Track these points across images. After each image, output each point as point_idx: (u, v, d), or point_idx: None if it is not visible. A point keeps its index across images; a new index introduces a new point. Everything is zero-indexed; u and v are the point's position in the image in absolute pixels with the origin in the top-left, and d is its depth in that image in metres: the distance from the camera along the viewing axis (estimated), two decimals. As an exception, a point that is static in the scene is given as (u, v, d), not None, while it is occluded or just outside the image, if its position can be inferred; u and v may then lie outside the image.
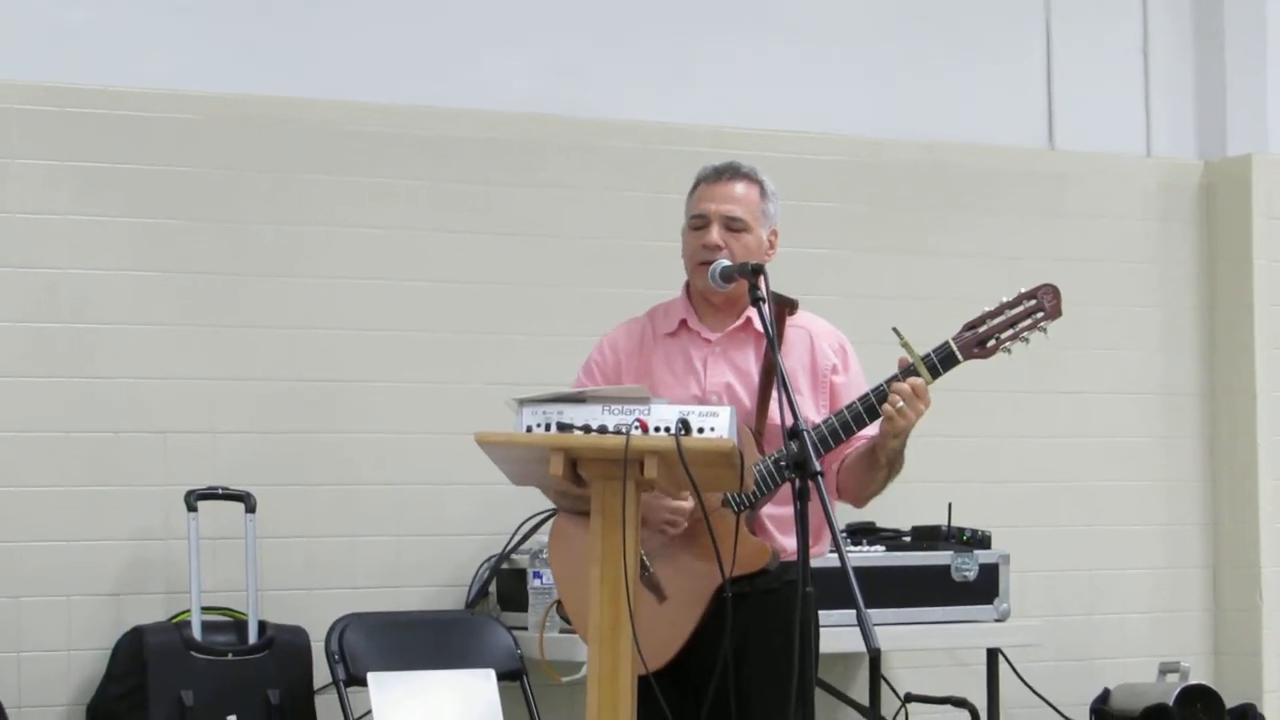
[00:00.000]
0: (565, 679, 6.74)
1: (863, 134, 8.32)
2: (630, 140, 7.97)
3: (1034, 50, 8.90)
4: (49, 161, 7.19)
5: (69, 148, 7.22)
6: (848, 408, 5.64)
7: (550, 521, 6.72)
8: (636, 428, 5.20)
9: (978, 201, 8.52)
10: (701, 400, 5.68)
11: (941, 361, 5.60)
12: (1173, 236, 9.04)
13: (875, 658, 5.24)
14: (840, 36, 8.45)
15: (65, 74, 7.24)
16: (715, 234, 5.79)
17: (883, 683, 7.91)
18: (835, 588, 5.20)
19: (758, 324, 5.68)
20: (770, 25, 8.30)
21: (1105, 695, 8.42)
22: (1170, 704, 8.20)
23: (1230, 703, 8.35)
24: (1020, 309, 5.69)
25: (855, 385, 5.80)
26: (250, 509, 7.05)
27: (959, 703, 7.70)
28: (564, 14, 8.02)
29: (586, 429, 5.24)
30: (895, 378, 5.53)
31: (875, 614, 5.17)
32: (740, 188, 5.88)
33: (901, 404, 5.46)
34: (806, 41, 8.38)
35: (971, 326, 5.69)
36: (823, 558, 5.48)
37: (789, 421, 5.25)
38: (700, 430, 5.20)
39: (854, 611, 4.98)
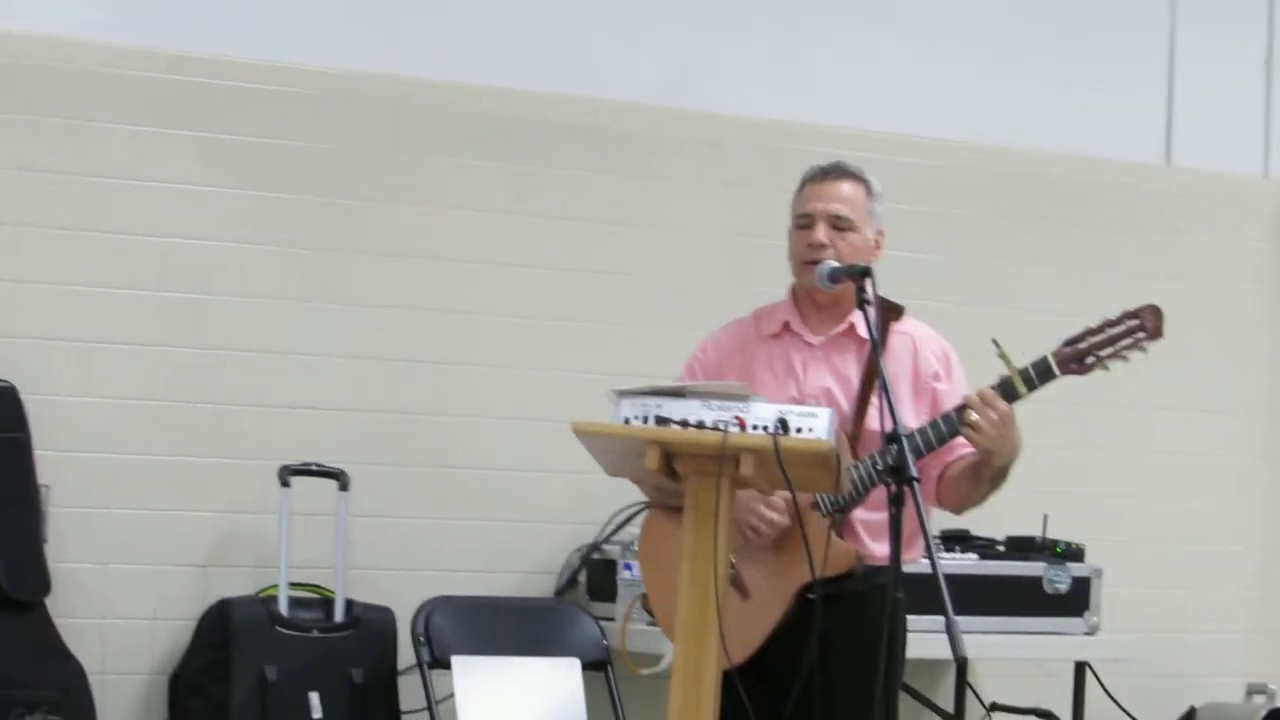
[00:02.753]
0: (645, 671, 6.74)
1: (975, 140, 8.35)
2: (740, 136, 8.01)
3: (1156, 66, 8.89)
4: (169, 130, 7.26)
5: (190, 117, 7.30)
6: (943, 417, 5.71)
7: (644, 514, 6.78)
8: (734, 425, 5.22)
9: (1088, 215, 8.51)
10: (799, 403, 5.68)
11: (1039, 375, 5.66)
12: None
13: (962, 665, 5.27)
14: (959, 44, 8.48)
15: (189, 43, 7.30)
16: (821, 233, 5.85)
17: (969, 691, 7.96)
18: (924, 593, 5.28)
19: (861, 329, 5.74)
20: (888, 27, 8.34)
21: (1191, 713, 8.44)
22: (1259, 726, 8.12)
23: (1323, 719, 8.27)
24: (1122, 328, 5.74)
25: (958, 393, 5.83)
26: (343, 486, 7.12)
27: (1044, 714, 7.73)
28: (684, 7, 8.06)
29: (684, 424, 5.28)
30: (991, 389, 5.58)
31: (964, 621, 5.25)
32: (847, 187, 5.94)
33: (975, 416, 5.54)
34: (923, 46, 8.41)
35: (1071, 342, 5.75)
36: (914, 564, 5.49)
37: (888, 426, 5.30)
38: (799, 430, 5.22)
39: (942, 618, 5.04)
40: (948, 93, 8.37)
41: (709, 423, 5.26)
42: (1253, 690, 8.53)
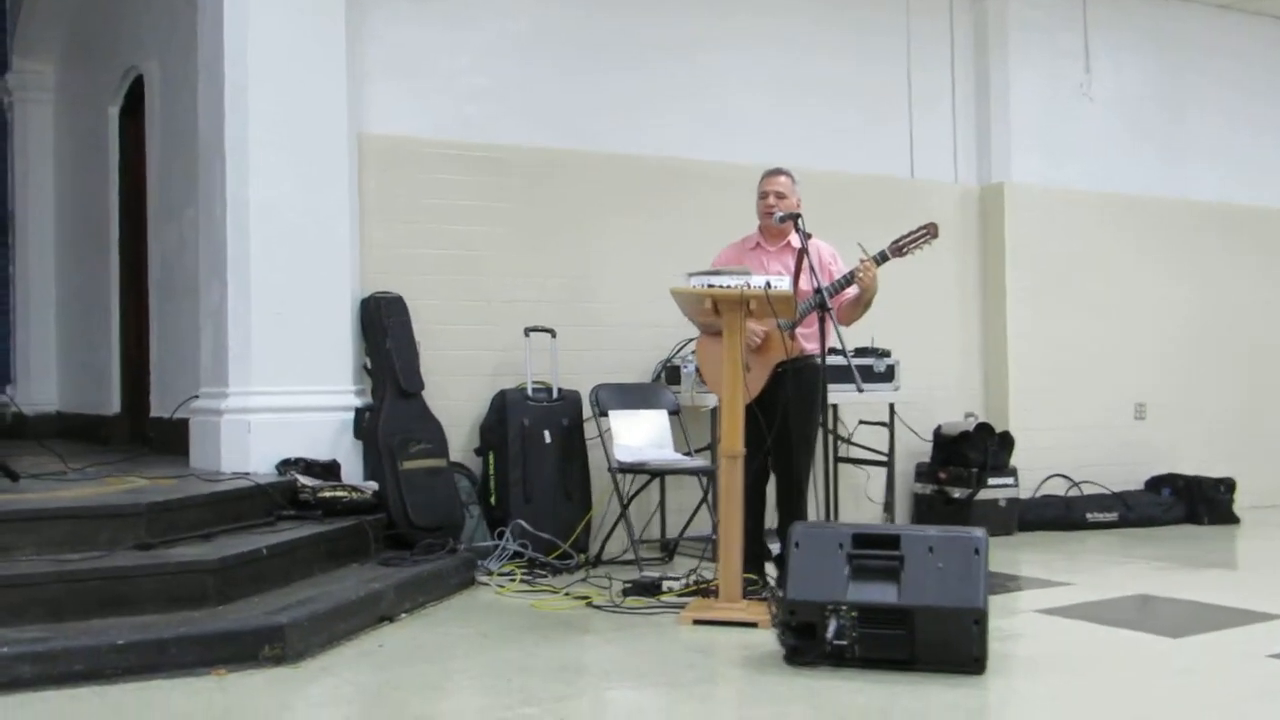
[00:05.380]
0: (703, 410, 6.81)
1: (833, 168, 8.06)
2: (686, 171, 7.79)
3: (901, 117, 8.56)
4: (468, 180, 7.12)
5: (476, 174, 7.13)
6: (841, 278, 5.77)
7: (689, 344, 6.87)
8: (745, 285, 5.29)
9: (873, 207, 8.10)
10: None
11: (880, 258, 5.71)
12: (968, 229, 8.78)
13: (859, 392, 5.28)
14: (802, 106, 8.21)
15: (468, 134, 7.13)
16: (771, 200, 5.95)
17: (839, 418, 7.90)
18: (832, 370, 5.51)
19: (795, 242, 5.83)
20: (756, 91, 8.04)
21: (939, 428, 8.31)
22: (970, 430, 8.15)
23: (998, 429, 8.24)
24: (920, 233, 5.81)
25: (841, 271, 5.88)
26: (553, 336, 7.03)
27: (882, 424, 7.68)
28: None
29: (722, 286, 5.32)
30: (861, 261, 5.68)
31: (840, 385, 5.78)
32: (782, 177, 6.02)
33: (860, 272, 5.64)
34: (774, 106, 8.10)
35: (895, 241, 5.80)
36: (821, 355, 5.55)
37: (814, 285, 5.50)
38: (775, 286, 5.30)
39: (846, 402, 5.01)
40: (786, 135, 8.05)
41: (733, 285, 5.32)
42: (967, 414, 8.47)
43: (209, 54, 6.48)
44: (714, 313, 5.39)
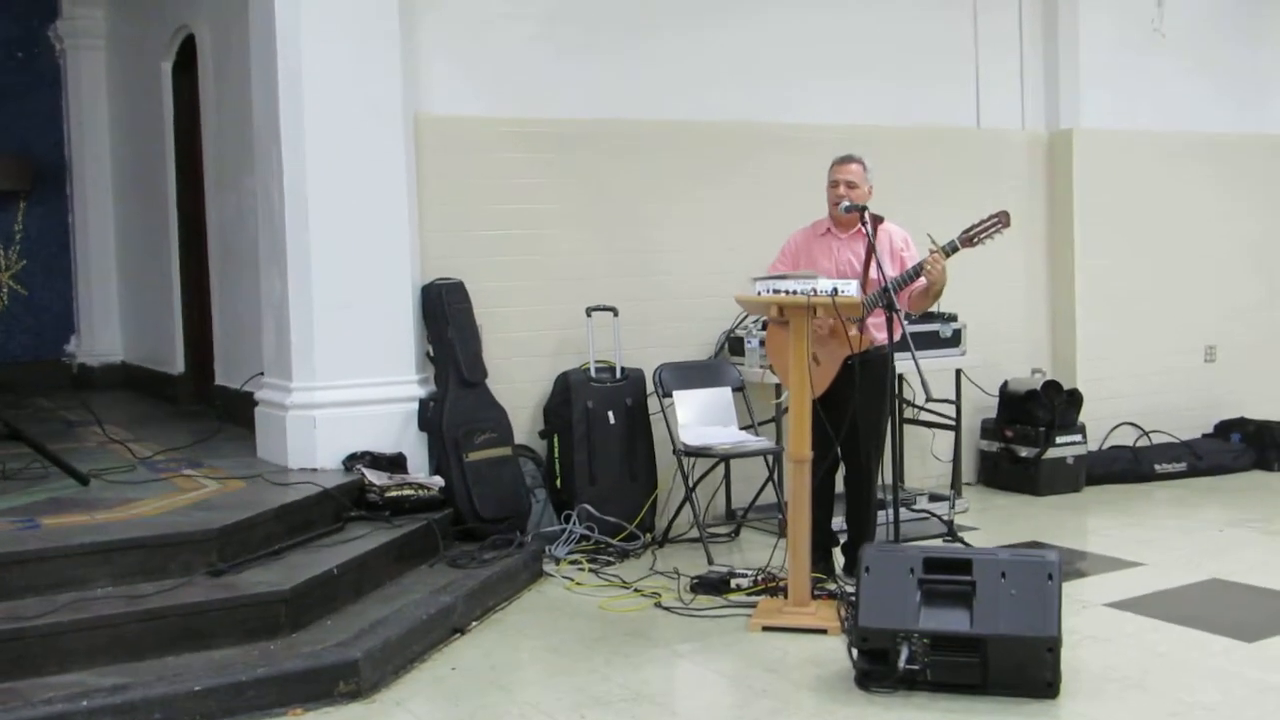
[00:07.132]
0: (774, 403, 6.75)
1: (879, 124, 7.82)
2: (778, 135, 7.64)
3: (968, 74, 8.36)
4: (514, 158, 6.95)
5: (533, 150, 6.99)
6: (910, 269, 5.70)
7: (748, 318, 6.92)
8: (811, 292, 5.23)
9: (944, 159, 8.13)
10: (837, 268, 5.76)
11: (950, 249, 5.63)
12: (1035, 177, 8.59)
13: (928, 398, 5.16)
14: (866, 63, 7.98)
15: (523, 109, 7.00)
16: (842, 189, 5.85)
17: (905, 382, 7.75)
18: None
19: (865, 231, 5.69)
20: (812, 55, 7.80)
21: (1005, 384, 8.25)
22: (1038, 389, 8.08)
23: (1066, 387, 8.16)
24: (991, 222, 5.69)
25: (914, 256, 5.83)
26: (615, 314, 6.92)
27: (946, 400, 7.42)
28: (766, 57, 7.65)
29: (789, 292, 5.29)
30: (930, 253, 5.58)
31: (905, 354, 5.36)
32: (853, 165, 5.90)
33: (928, 265, 5.54)
34: (843, 70, 7.91)
35: (966, 231, 5.70)
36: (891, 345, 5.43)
37: (881, 280, 5.43)
38: (842, 292, 5.24)
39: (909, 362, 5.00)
40: (847, 93, 7.86)
41: (799, 291, 5.28)
42: (1034, 371, 8.37)
43: (261, 32, 6.33)
44: (779, 316, 5.36)
